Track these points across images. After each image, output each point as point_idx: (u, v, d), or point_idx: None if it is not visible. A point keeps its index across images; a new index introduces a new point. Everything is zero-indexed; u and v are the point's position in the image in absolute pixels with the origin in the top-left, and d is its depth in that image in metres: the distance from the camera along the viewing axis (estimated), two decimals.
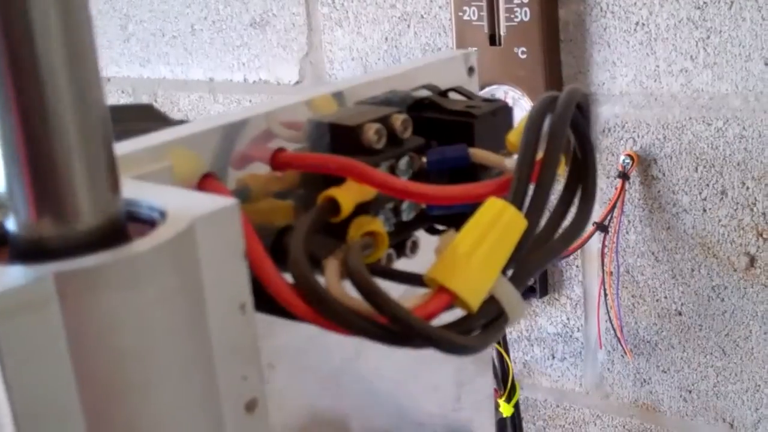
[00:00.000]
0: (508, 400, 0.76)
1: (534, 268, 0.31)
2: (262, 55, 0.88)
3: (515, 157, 0.32)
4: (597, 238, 0.72)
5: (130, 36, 0.97)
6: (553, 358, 0.80)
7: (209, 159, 0.30)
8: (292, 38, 0.86)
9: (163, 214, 0.22)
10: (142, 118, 0.39)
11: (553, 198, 0.31)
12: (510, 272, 0.30)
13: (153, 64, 0.96)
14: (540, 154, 0.31)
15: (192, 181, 0.29)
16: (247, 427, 0.25)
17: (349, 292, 0.28)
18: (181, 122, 0.32)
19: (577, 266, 0.76)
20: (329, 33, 0.83)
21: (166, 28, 0.94)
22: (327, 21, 0.83)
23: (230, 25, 0.89)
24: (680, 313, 0.72)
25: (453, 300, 0.28)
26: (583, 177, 0.33)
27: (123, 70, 0.98)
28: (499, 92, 0.72)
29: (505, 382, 0.76)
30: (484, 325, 0.29)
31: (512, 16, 0.70)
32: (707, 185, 0.68)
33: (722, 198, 0.68)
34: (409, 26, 0.79)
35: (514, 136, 0.33)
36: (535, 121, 0.30)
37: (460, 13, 0.72)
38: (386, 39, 0.80)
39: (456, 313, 0.29)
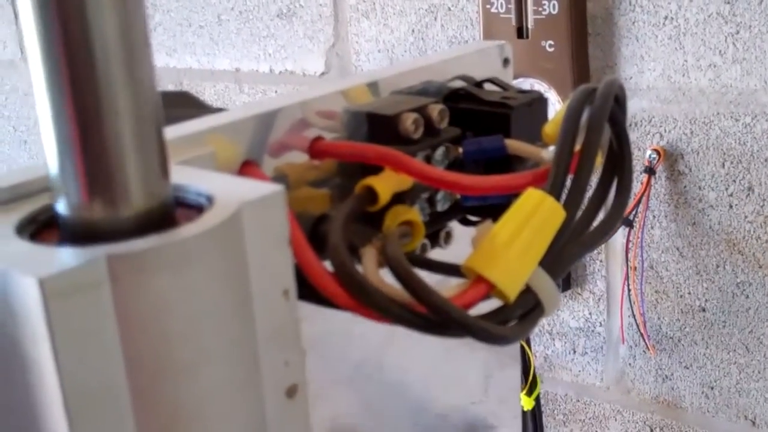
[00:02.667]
0: (529, 393, 0.76)
1: (569, 260, 0.31)
2: (289, 45, 0.88)
3: (552, 148, 0.32)
4: (621, 233, 0.72)
5: (156, 25, 0.97)
6: (575, 352, 0.80)
7: (247, 147, 0.30)
8: (318, 29, 0.86)
9: (210, 200, 0.22)
10: (180, 104, 0.39)
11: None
12: (545, 264, 0.30)
13: (179, 54, 0.97)
14: (577, 146, 0.31)
15: (233, 168, 0.29)
16: (287, 412, 0.25)
17: (384, 281, 0.28)
18: (219, 110, 0.32)
19: (600, 261, 0.76)
20: (356, 24, 0.83)
21: (193, 18, 0.94)
22: (354, 12, 0.83)
23: (257, 16, 0.90)
24: (704, 310, 0.72)
25: (491, 290, 0.28)
26: (618, 169, 0.33)
27: None
28: (525, 85, 0.72)
29: (526, 375, 0.76)
30: (520, 316, 0.29)
31: (540, 9, 0.70)
32: (734, 181, 0.68)
33: (749, 194, 0.67)
34: (436, 18, 0.78)
35: (551, 128, 0.33)
36: (574, 111, 0.30)
37: (488, 6, 0.72)
38: (413, 31, 0.80)
39: (492, 303, 0.29)
